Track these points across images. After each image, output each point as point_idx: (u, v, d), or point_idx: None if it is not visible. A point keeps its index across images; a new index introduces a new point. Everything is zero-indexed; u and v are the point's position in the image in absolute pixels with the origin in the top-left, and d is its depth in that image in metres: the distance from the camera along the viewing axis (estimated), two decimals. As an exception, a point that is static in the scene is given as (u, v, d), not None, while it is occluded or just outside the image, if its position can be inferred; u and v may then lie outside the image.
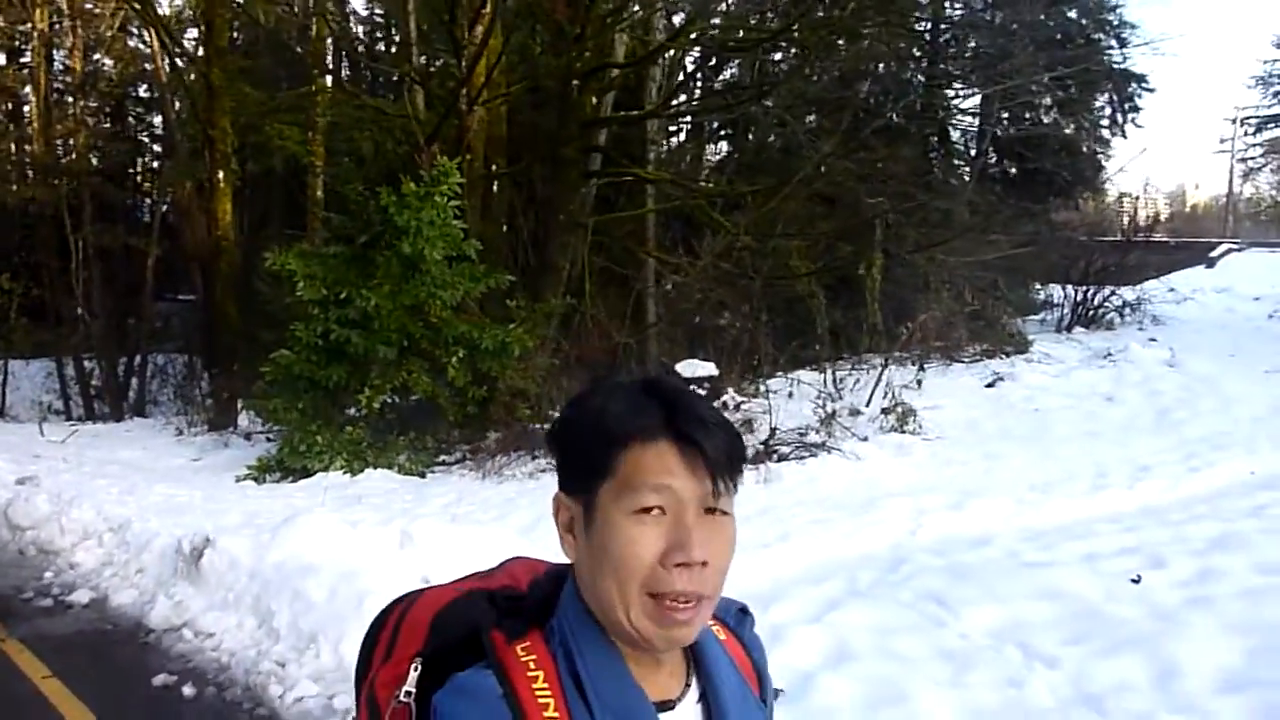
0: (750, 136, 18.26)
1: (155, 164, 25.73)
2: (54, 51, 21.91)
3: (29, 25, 20.68)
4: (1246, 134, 44.06)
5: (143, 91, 24.61)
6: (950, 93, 22.13)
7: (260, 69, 18.11)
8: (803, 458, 8.39)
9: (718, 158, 20.90)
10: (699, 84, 18.69)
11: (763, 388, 11.86)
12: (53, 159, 20.33)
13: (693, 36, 13.80)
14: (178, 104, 16.35)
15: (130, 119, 25.56)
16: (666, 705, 0.91)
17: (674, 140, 20.04)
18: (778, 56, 17.98)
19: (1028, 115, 23.11)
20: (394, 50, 19.95)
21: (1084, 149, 26.32)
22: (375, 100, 12.44)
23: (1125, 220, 27.83)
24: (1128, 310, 18.47)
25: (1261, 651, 3.78)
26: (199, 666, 4.11)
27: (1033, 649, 3.94)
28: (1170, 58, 59.59)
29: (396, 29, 19.61)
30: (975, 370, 13.83)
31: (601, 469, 0.86)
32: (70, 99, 21.80)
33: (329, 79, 14.33)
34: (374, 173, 13.99)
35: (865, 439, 9.33)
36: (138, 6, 12.93)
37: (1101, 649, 3.89)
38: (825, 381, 11.75)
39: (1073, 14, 23.01)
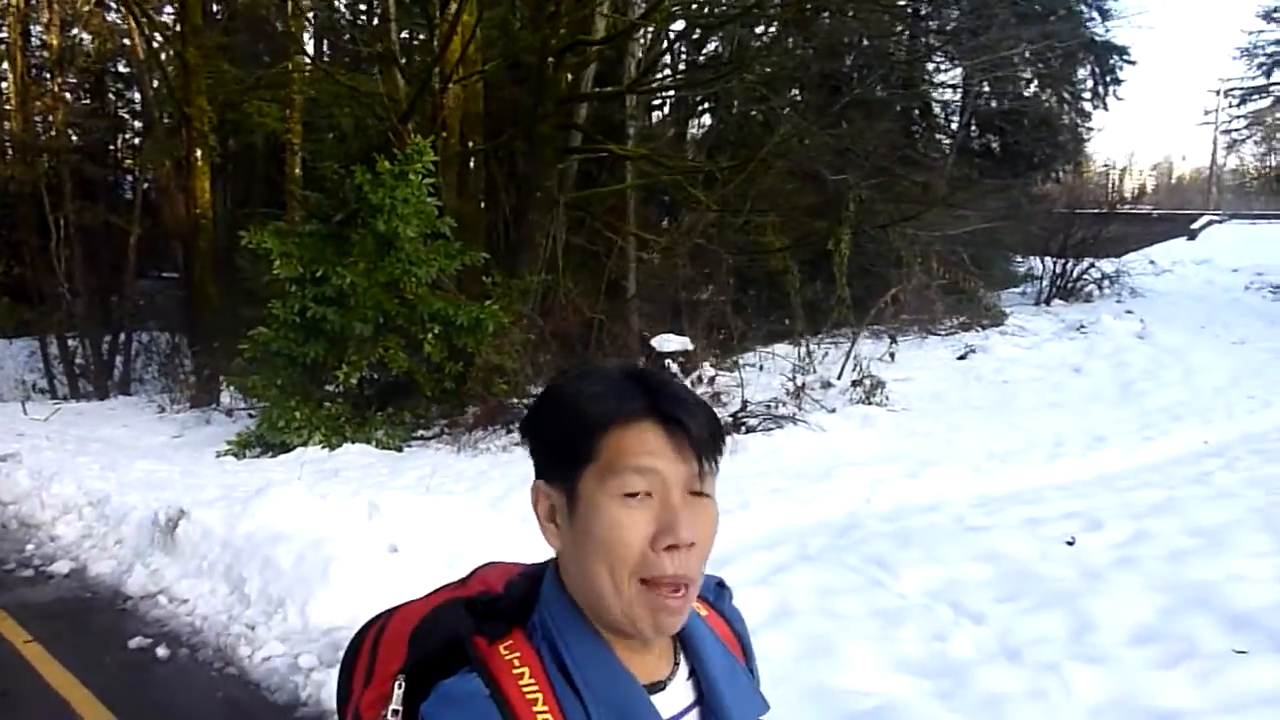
0: (732, 111, 18.34)
1: (136, 140, 25.59)
2: (31, 27, 21.77)
3: (4, 1, 20.52)
4: (1231, 105, 44.21)
5: (122, 67, 24.43)
6: (931, 66, 22.13)
7: (239, 45, 18.04)
8: (769, 429, 8.61)
9: (701, 132, 20.99)
10: (683, 59, 18.76)
11: (738, 361, 12.09)
12: (31, 136, 20.23)
13: (672, 11, 13.87)
14: (156, 81, 16.30)
15: (110, 95, 25.31)
16: (657, 686, 0.91)
17: (657, 115, 20.09)
18: (759, 30, 18.02)
19: (1009, 88, 23.19)
20: (375, 25, 19.92)
21: (1065, 121, 26.46)
22: (351, 77, 12.46)
23: (1107, 193, 28.06)
24: (1106, 283, 18.63)
25: (1175, 608, 4.01)
26: (173, 630, 4.31)
27: (963, 606, 4.17)
28: (1151, 30, 59.46)
29: (378, 3, 19.59)
30: (950, 343, 14.06)
31: (584, 454, 0.86)
32: (48, 75, 21.67)
33: (309, 54, 14.31)
34: (355, 149, 14.06)
35: (833, 411, 9.56)
36: (112, -17, 12.90)
37: (1028, 606, 4.12)
38: (799, 355, 11.97)
39: (1053, -14, 22.98)
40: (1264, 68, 38.00)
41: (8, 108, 20.87)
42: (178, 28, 12.90)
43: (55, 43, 21.28)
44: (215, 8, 19.03)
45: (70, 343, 18.62)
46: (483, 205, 12.34)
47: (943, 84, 22.67)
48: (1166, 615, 3.93)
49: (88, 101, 23.89)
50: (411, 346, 9.40)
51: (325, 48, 20.54)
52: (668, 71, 17.00)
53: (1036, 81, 24.69)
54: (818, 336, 13.69)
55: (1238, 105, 43.20)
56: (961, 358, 13.26)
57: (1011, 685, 3.32)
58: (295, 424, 8.92)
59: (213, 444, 9.66)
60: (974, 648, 3.75)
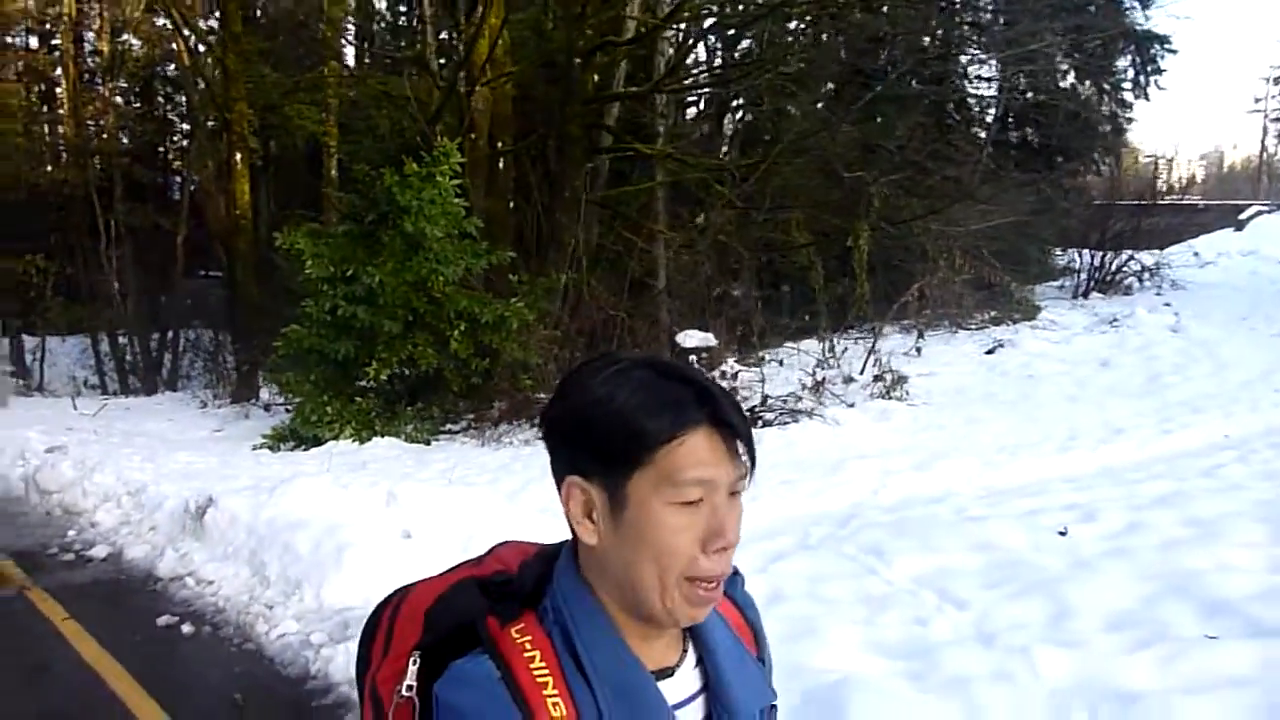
0: (762, 108, 18.40)
1: (185, 143, 26.33)
2: (83, 34, 22.50)
3: (58, 8, 21.24)
4: (1280, 93, 43.14)
5: (171, 70, 25.14)
6: (965, 58, 21.93)
7: (281, 49, 18.54)
8: (785, 423, 8.75)
9: (733, 130, 21.06)
10: (718, 55, 18.82)
11: (764, 357, 12.22)
12: (84, 140, 20.95)
13: (701, 9, 13.99)
14: (201, 84, 16.82)
15: (159, 98, 26.03)
16: (665, 673, 0.93)
17: (693, 111, 20.17)
18: (791, 25, 18.04)
19: (1044, 80, 22.90)
20: (413, 27, 20.29)
21: (1104, 112, 26.06)
22: (384, 80, 12.77)
23: (1151, 184, 27.53)
24: (1146, 275, 18.34)
25: (1158, 595, 4.09)
26: (198, 609, 4.60)
27: (949, 593, 4.29)
28: (1191, 20, 57.98)
29: (415, 6, 19.95)
30: (979, 338, 14.03)
31: (637, 460, 0.86)
32: (99, 81, 22.40)
33: (351, 56, 14.70)
34: (393, 150, 14.42)
35: (852, 405, 9.66)
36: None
37: (1011, 593, 4.23)
38: (823, 351, 12.06)
39: (1092, -26, 22.63)
40: (1316, 54, 36.99)
41: (61, 113, 21.63)
42: (219, 35, 13.26)
43: (106, 49, 22.00)
44: (257, 13, 19.60)
45: (120, 340, 19.30)
46: (511, 205, 12.57)
47: (977, 77, 22.50)
48: (1146, 603, 4.02)
49: (138, 105, 24.63)
50: (439, 343, 9.66)
51: (366, 50, 21.03)
52: (699, 69, 17.16)
53: (1074, 73, 24.39)
54: (847, 332, 13.77)
55: (1288, 91, 42.14)
56: (989, 352, 13.24)
57: (980, 667, 3.45)
58: (327, 418, 9.25)
59: (250, 438, 10.03)
60: (952, 631, 3.88)
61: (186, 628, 4.38)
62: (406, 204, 9.34)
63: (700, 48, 17.98)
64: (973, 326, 14.67)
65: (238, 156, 12.73)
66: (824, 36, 18.11)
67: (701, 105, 20.68)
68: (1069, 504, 5.75)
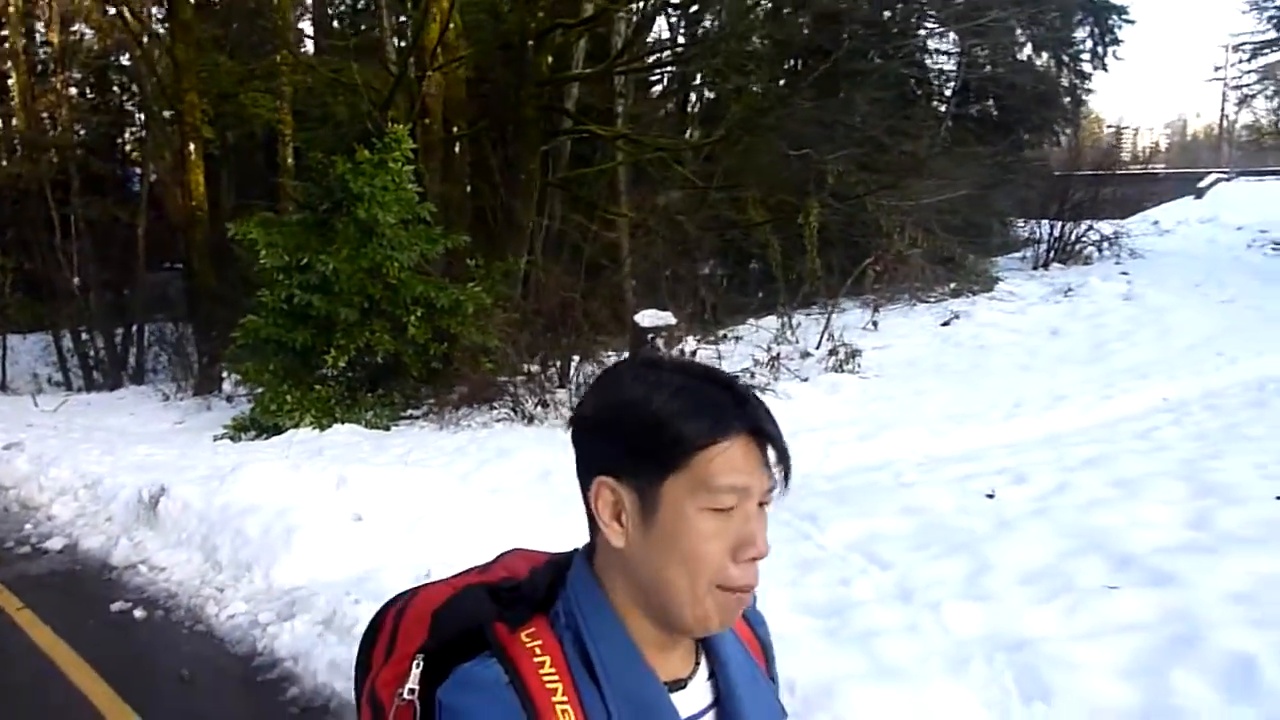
0: (728, 85, 18.46)
1: (143, 134, 25.99)
2: (34, 25, 22.14)
3: (3, 1, 20.87)
4: (1241, 60, 43.71)
5: (126, 59, 24.76)
6: (924, 32, 22.06)
7: (236, 35, 18.36)
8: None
9: (697, 108, 21.11)
10: (681, 34, 18.83)
11: (726, 335, 12.39)
12: (38, 134, 20.66)
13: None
14: (153, 75, 16.65)
15: (115, 89, 25.67)
16: (677, 685, 0.91)
17: (658, 89, 20.18)
18: (751, 3, 18.09)
19: (1003, 53, 23.10)
20: (371, 11, 20.13)
21: (1063, 84, 26.36)
22: (337, 67, 12.70)
23: (1113, 153, 27.88)
24: (1105, 245, 18.57)
25: (1071, 551, 4.30)
26: (151, 595, 4.71)
27: (875, 555, 4.48)
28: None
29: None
30: (937, 310, 14.25)
31: (673, 465, 0.85)
32: (52, 71, 22.05)
33: (296, 45, 14.60)
34: (351, 137, 14.39)
35: (806, 379, 9.85)
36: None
37: (934, 554, 4.43)
38: (781, 327, 12.24)
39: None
40: (1274, 20, 37.47)
41: (13, 105, 21.28)
42: (167, 25, 13.15)
43: (56, 40, 21.67)
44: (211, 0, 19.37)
45: (84, 336, 19.14)
46: (469, 189, 12.62)
47: (936, 50, 22.67)
48: (1060, 558, 4.22)
49: (93, 96, 24.28)
50: (397, 329, 9.74)
51: (325, 35, 20.84)
52: (659, 48, 17.17)
53: (1031, 44, 24.64)
54: (810, 308, 13.95)
55: (1248, 60, 42.71)
56: (945, 324, 13.46)
57: (892, 622, 3.64)
58: (287, 407, 9.31)
59: (212, 429, 10.06)
60: (873, 591, 4.06)
61: (139, 613, 4.49)
62: (359, 191, 9.38)
63: (662, 27, 18.04)
64: (931, 299, 14.88)
65: (191, 147, 12.66)
66: (784, 11, 18.20)
67: (664, 84, 20.77)
68: (1002, 469, 5.96)
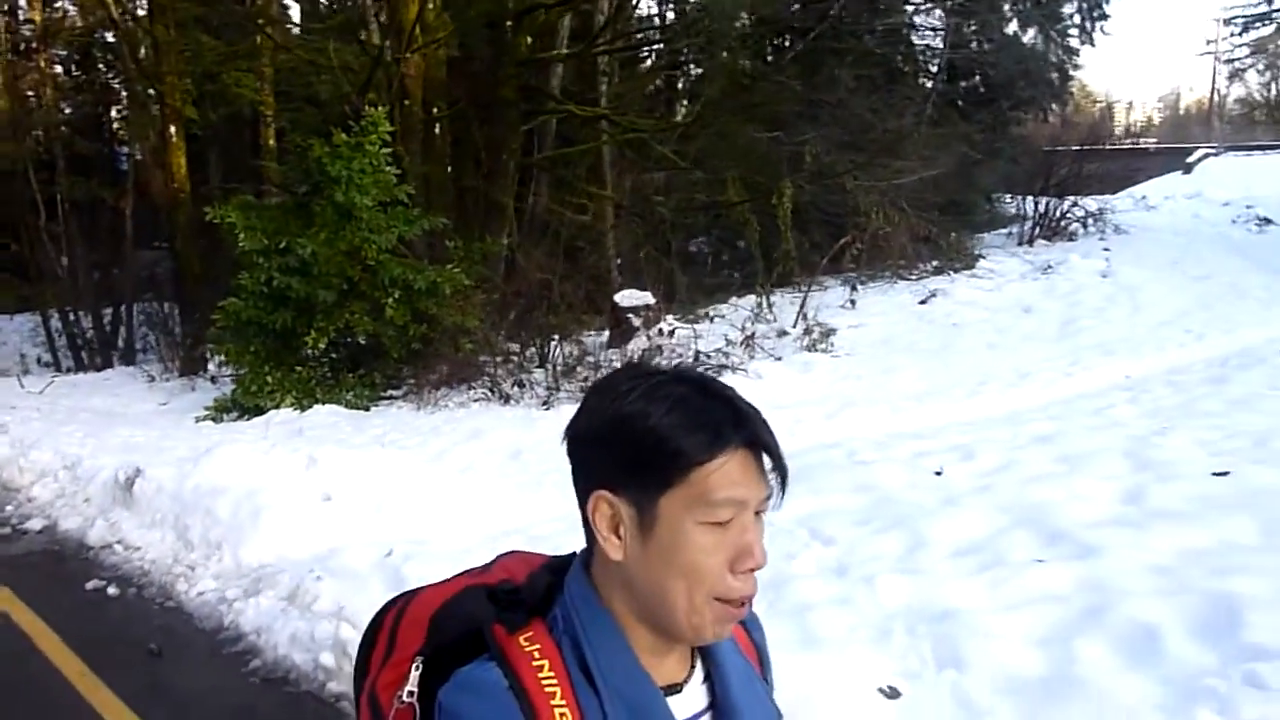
0: (712, 62, 18.48)
1: (128, 113, 25.89)
2: (16, 3, 22.02)
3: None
4: (1233, 34, 43.64)
5: (110, 36, 24.60)
6: (910, 8, 22.02)
7: (221, 15, 18.31)
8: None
9: (686, 87, 21.11)
10: (670, 10, 18.80)
11: (708, 314, 12.54)
12: (21, 114, 20.61)
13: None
14: (137, 57, 16.63)
15: (100, 66, 25.53)
16: (673, 689, 0.92)
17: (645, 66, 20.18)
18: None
19: (990, 28, 23.09)
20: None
21: (1050, 59, 26.37)
22: (315, 47, 12.74)
23: (1101, 129, 27.88)
24: (1090, 221, 18.66)
25: (1008, 527, 4.47)
26: (125, 573, 4.89)
27: (820, 531, 4.65)
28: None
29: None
30: (917, 288, 14.40)
31: (670, 479, 0.85)
32: (35, 49, 21.95)
33: (276, 24, 14.60)
34: (334, 117, 14.43)
35: (779, 359, 10.02)
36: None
37: (876, 529, 4.61)
38: (760, 306, 12.39)
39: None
40: (1265, -6, 37.40)
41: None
42: (148, 4, 13.15)
43: (39, 18, 21.56)
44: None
45: (73, 316, 19.22)
46: (450, 169, 12.71)
47: (923, 27, 22.66)
48: (995, 533, 4.40)
49: (78, 73, 24.15)
50: (376, 311, 9.87)
51: (313, 13, 20.75)
52: (646, 25, 17.20)
53: (1017, 20, 24.63)
54: (792, 288, 14.07)
55: (1240, 34, 42.64)
56: (923, 302, 13.60)
57: (827, 595, 3.82)
58: (268, 388, 9.46)
59: (196, 410, 10.21)
60: (814, 565, 4.24)
61: (113, 590, 4.67)
62: (337, 174, 9.48)
63: (648, 4, 18.04)
64: (913, 277, 14.99)
65: (172, 129, 12.72)
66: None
67: (652, 62, 20.77)
68: (955, 446, 6.13)
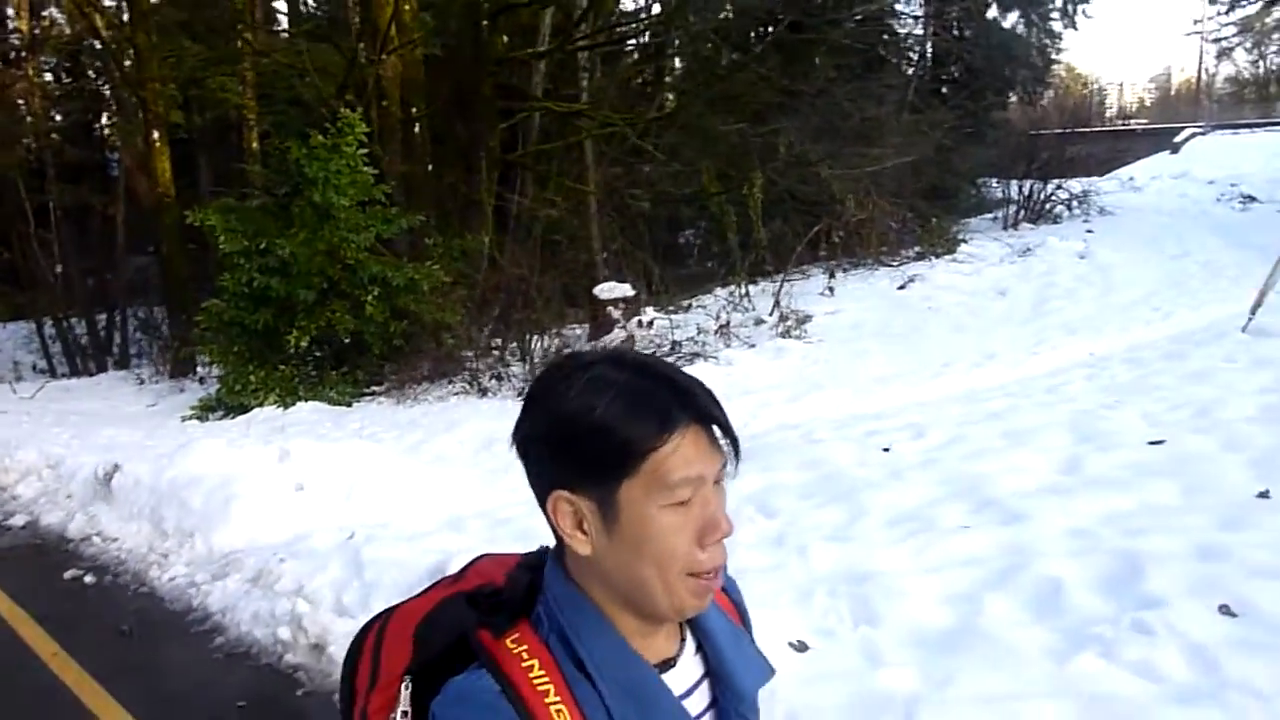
0: (695, 54, 18.63)
1: (116, 119, 26.02)
2: (6, 11, 22.19)
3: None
4: (1220, 12, 43.68)
5: (98, 44, 24.70)
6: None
7: (206, 19, 18.47)
8: (682, 366, 9.28)
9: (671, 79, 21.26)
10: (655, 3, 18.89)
11: (690, 304, 12.74)
12: (10, 122, 20.78)
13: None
14: (120, 65, 16.82)
15: (90, 73, 25.66)
16: (667, 665, 0.93)
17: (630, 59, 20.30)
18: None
19: (970, 13, 23.23)
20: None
21: (1033, 42, 26.55)
22: (296, 51, 12.92)
23: (1076, 110, 28.01)
24: (1074, 204, 18.78)
25: (942, 498, 4.67)
26: (102, 563, 5.11)
27: (767, 505, 4.85)
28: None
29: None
30: (898, 274, 14.59)
31: (625, 469, 0.85)
32: (24, 58, 22.10)
33: (255, 28, 14.78)
34: (316, 118, 14.62)
35: (753, 345, 10.21)
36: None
37: (818, 503, 4.81)
38: (736, 295, 12.59)
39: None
40: (1251, -29, 37.45)
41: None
42: (129, 12, 13.34)
43: (25, 28, 21.72)
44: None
45: (66, 322, 19.42)
46: (431, 167, 12.90)
47: (904, 14, 22.79)
48: (930, 504, 4.60)
49: (67, 81, 24.30)
50: (356, 309, 10.07)
51: (293, 19, 20.92)
52: (628, 20, 17.32)
53: (998, 5, 24.79)
54: (771, 277, 14.26)
55: (1226, 11, 42.67)
56: (901, 288, 13.79)
57: (760, 561, 4.02)
58: (251, 387, 9.67)
59: (182, 410, 10.42)
60: (755, 536, 4.44)
61: (89, 578, 4.89)
62: (314, 175, 9.68)
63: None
64: (894, 263, 15.19)
65: (155, 134, 12.91)
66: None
67: (636, 56, 20.91)
68: (909, 424, 6.32)
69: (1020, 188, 18.91)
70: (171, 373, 13.16)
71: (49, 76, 24.00)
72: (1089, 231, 16.59)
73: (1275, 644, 2.91)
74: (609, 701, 0.86)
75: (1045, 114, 25.61)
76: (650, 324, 11.50)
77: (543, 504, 0.90)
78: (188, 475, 5.54)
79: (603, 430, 0.85)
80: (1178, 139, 29.74)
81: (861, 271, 14.82)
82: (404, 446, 7.31)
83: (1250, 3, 40.10)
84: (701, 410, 0.88)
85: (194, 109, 18.24)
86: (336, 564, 4.22)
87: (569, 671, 0.87)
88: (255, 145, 14.83)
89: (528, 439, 0.90)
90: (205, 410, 9.91)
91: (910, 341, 10.06)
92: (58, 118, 23.41)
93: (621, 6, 18.59)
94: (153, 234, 23.18)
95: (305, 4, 21.48)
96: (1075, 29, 28.12)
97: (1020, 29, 26.29)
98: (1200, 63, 46.81)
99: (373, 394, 10.39)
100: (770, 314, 11.70)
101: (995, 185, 21.57)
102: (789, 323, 10.97)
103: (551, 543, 0.94)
